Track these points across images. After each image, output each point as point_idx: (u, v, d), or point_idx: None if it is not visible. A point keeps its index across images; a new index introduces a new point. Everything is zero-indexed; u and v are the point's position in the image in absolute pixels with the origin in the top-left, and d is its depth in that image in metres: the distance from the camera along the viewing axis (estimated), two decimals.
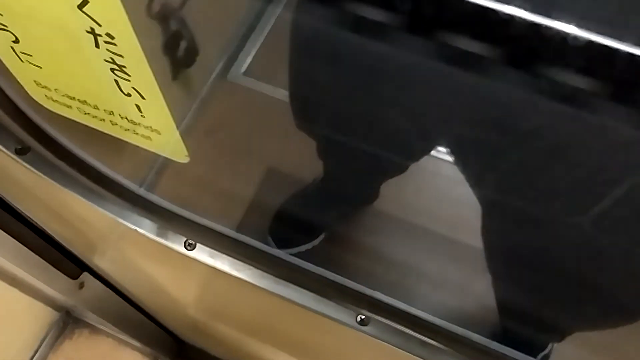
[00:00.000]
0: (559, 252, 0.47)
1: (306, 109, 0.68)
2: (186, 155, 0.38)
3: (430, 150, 0.71)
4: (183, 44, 0.65)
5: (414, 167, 0.88)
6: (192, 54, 0.68)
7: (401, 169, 0.86)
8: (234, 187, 1.02)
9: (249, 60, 0.99)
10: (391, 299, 0.46)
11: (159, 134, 0.37)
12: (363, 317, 0.48)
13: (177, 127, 0.38)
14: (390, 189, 1.00)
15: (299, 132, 0.88)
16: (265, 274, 0.51)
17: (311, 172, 1.01)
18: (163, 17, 0.53)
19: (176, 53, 0.65)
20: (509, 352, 0.45)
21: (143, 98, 0.34)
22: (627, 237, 0.37)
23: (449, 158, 1.10)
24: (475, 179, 0.56)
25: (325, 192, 1.03)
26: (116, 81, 0.33)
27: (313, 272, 0.48)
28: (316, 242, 1.07)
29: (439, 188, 1.11)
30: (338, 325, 0.50)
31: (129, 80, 0.33)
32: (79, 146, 0.51)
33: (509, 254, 0.60)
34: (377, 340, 0.48)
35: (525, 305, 0.62)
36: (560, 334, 0.63)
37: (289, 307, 0.54)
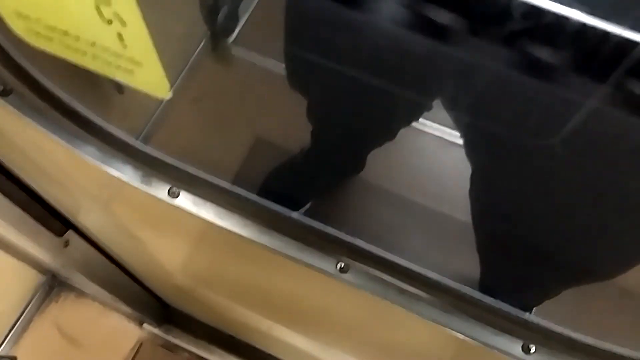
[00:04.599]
0: (538, 190, 0.48)
1: (301, 66, 0.68)
2: (168, 90, 0.38)
3: (424, 109, 0.71)
4: (224, 11, 0.65)
5: (400, 142, 0.88)
6: (232, 20, 0.68)
7: (390, 135, 0.86)
8: (220, 157, 1.02)
9: (237, 29, 0.99)
10: (371, 245, 0.46)
11: (141, 66, 0.36)
12: (343, 264, 0.48)
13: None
14: (375, 160, 1.01)
15: (287, 103, 0.87)
16: (248, 222, 0.51)
17: (299, 142, 1.01)
18: None
19: (216, 21, 0.64)
20: (489, 300, 0.45)
21: (124, 25, 0.33)
22: (598, 160, 0.38)
23: (437, 132, 1.11)
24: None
25: (313, 161, 1.03)
26: (97, 7, 0.33)
27: (295, 219, 0.49)
28: (301, 212, 1.08)
29: (425, 160, 1.12)
30: (319, 275, 0.50)
31: (109, 5, 0.32)
32: (64, 89, 0.51)
33: (495, 211, 0.60)
34: (356, 288, 0.49)
35: (508, 260, 0.63)
36: (543, 291, 0.64)
37: (272, 259, 0.55)
